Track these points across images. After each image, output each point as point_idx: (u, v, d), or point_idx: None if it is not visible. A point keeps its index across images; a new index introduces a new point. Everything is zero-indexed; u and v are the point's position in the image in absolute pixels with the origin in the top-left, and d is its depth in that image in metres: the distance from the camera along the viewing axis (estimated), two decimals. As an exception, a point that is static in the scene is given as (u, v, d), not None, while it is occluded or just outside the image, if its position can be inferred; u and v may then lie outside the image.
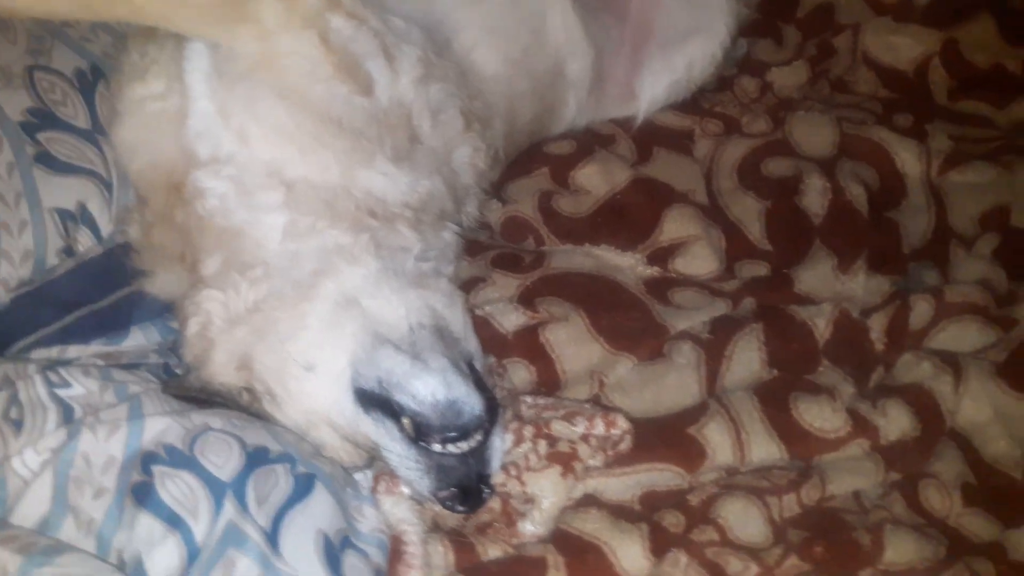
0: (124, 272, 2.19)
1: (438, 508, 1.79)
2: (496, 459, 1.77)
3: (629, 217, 2.62)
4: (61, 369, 1.82)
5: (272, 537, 1.53)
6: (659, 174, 2.75)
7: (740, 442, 1.99)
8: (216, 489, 1.60)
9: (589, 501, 1.90)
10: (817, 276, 2.45)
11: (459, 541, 1.81)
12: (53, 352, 2.02)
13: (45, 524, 1.56)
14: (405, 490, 1.77)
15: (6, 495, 1.59)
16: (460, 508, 1.71)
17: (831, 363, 2.25)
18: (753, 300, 2.39)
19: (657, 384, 2.17)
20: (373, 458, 1.85)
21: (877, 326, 2.29)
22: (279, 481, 1.65)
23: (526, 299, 2.35)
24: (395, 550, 1.69)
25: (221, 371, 1.96)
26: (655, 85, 2.81)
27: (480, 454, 1.73)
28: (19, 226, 2.11)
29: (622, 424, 1.89)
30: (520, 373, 2.20)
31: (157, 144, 2.09)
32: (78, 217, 2.20)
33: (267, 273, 1.91)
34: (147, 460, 1.63)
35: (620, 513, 1.88)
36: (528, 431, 1.88)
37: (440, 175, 2.25)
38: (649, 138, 2.89)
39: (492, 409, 1.77)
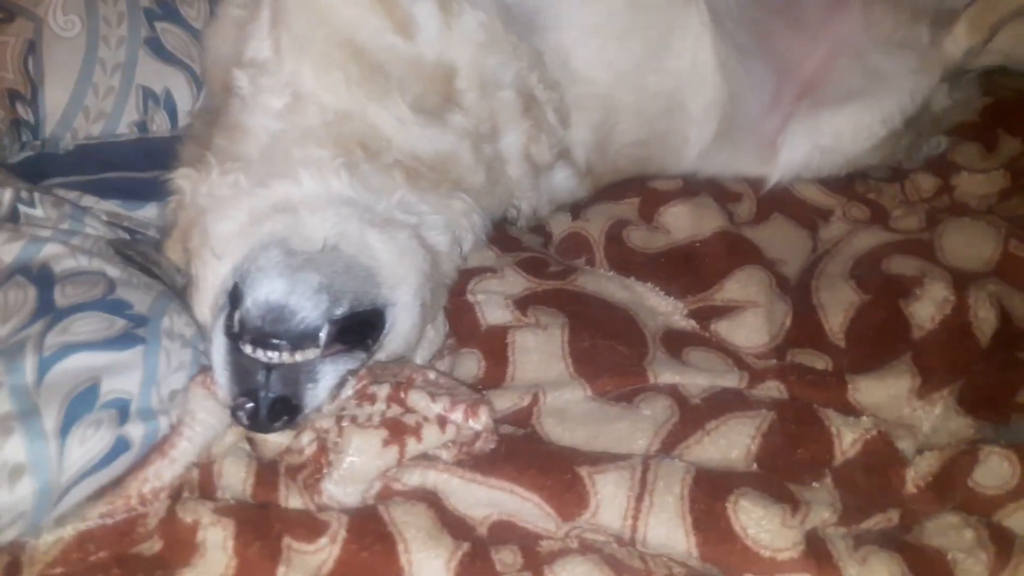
0: (174, 156, 2.27)
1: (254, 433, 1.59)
2: (312, 393, 1.53)
3: (696, 266, 2.25)
4: (37, 192, 1.91)
5: (45, 363, 1.44)
6: (758, 236, 2.32)
7: (637, 508, 1.54)
8: (43, 310, 1.55)
9: (425, 497, 1.57)
10: (884, 392, 1.88)
11: (266, 476, 1.59)
12: (72, 195, 2.13)
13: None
14: (219, 391, 1.59)
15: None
16: (244, 421, 1.49)
17: (834, 484, 1.68)
18: (782, 386, 1.88)
19: (602, 425, 1.77)
20: None
21: (923, 467, 1.68)
22: (105, 328, 1.57)
23: (524, 302, 2.07)
24: (163, 438, 1.51)
25: (172, 247, 1.95)
26: (795, 148, 2.38)
27: (290, 376, 1.51)
28: (106, 90, 2.30)
29: (483, 419, 1.55)
30: (468, 364, 1.92)
31: (225, 45, 2.16)
32: (161, 101, 2.34)
33: (240, 168, 1.86)
34: (16, 270, 1.63)
35: (452, 524, 1.53)
36: (384, 392, 1.61)
37: (474, 148, 2.07)
38: (775, 204, 2.46)
39: (339, 341, 1.54)
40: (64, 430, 1.38)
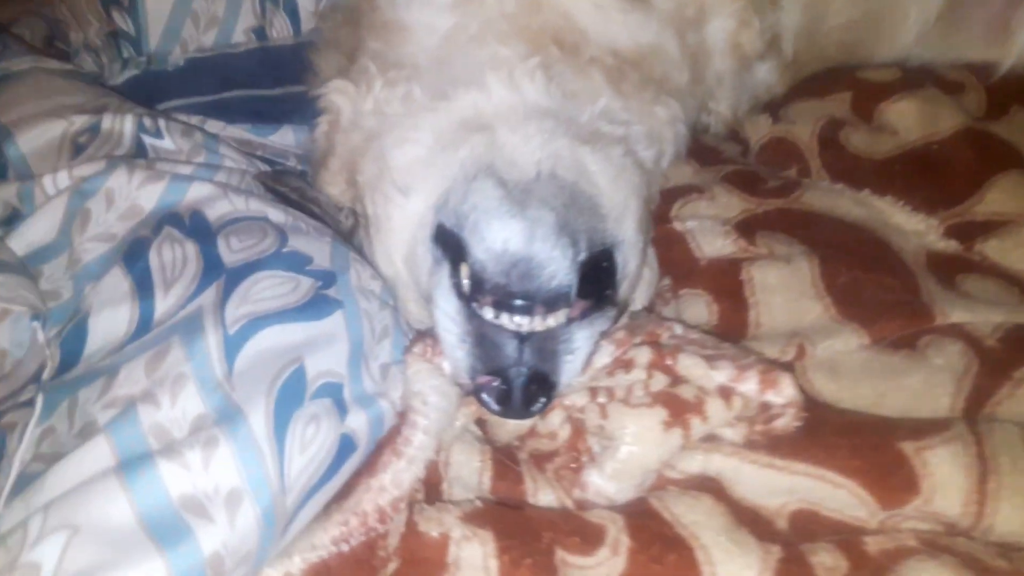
0: (304, 69, 1.86)
1: (489, 414, 1.23)
2: (572, 366, 1.16)
3: (941, 174, 1.81)
4: (161, 120, 1.52)
5: (232, 343, 1.08)
6: (1006, 133, 1.87)
7: (982, 492, 1.17)
8: (211, 271, 1.18)
9: (707, 486, 1.22)
10: None
11: (504, 464, 1.24)
12: (194, 120, 1.74)
13: (40, 253, 1.25)
14: (444, 365, 1.22)
15: (32, 210, 1.30)
16: (494, 407, 1.14)
17: None
18: (1095, 322, 1.47)
19: (890, 380, 1.39)
20: None
21: None
22: (291, 291, 1.20)
23: (746, 227, 1.67)
24: (392, 430, 1.16)
25: (332, 180, 1.56)
26: (1039, 23, 1.91)
27: (546, 347, 1.14)
28: (216, -9, 1.87)
29: (787, 391, 1.18)
30: (695, 309, 1.54)
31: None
32: (280, 1, 1.90)
33: (408, 76, 1.45)
34: (165, 220, 1.26)
35: (748, 520, 1.18)
36: (644, 356, 1.23)
37: (679, 38, 1.64)
38: (1011, 94, 2.00)
39: (591, 300, 1.16)
40: (278, 433, 1.03)
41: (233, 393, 1.05)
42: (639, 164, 1.53)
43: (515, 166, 1.32)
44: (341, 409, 1.13)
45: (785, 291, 1.56)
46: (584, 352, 1.19)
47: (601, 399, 1.23)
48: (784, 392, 1.18)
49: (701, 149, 1.92)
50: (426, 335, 1.26)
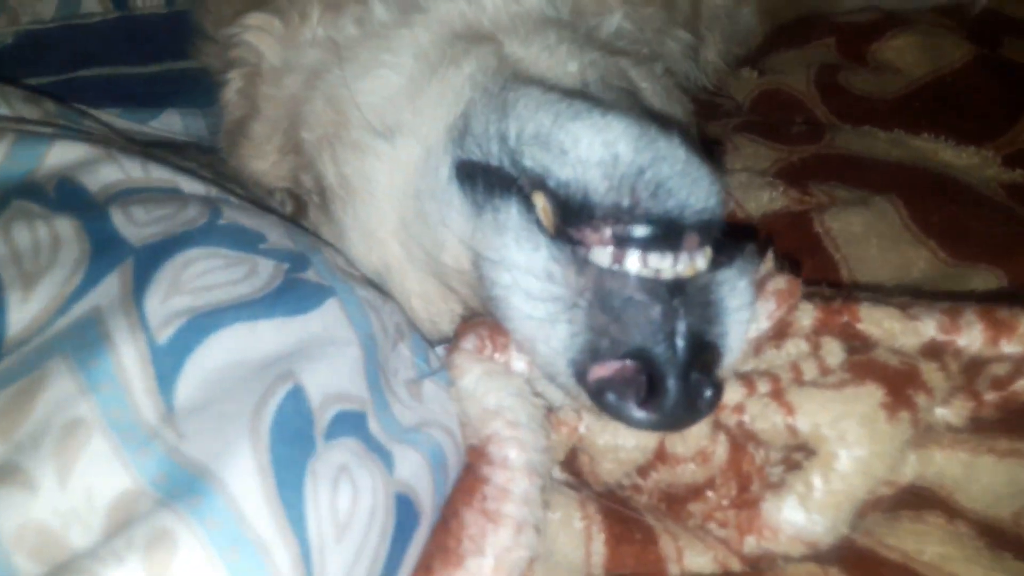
0: (183, 42, 1.32)
1: (581, 422, 0.73)
2: (741, 333, 0.69)
3: (969, 105, 1.50)
4: (9, 89, 0.95)
5: (166, 357, 0.54)
6: (1019, 58, 1.60)
7: None
8: (106, 253, 0.64)
9: (923, 500, 0.76)
10: None
11: (620, 517, 0.74)
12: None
13: None
14: (516, 362, 0.72)
15: None
16: (632, 412, 0.64)
17: None
18: None
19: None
20: (475, 313, 0.82)
21: None
22: (247, 275, 0.68)
23: (790, 177, 1.28)
24: (465, 480, 0.63)
25: (257, 151, 1.03)
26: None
27: (701, 296, 0.66)
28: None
29: (1030, 333, 0.75)
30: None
31: None
32: (142, -43, 1.37)
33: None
34: (12, 194, 0.70)
35: (997, 538, 0.73)
36: (806, 317, 0.78)
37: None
38: (996, 28, 1.75)
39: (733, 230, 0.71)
40: (289, 505, 0.49)
41: (184, 444, 0.50)
42: (680, 87, 1.12)
43: (550, 77, 0.86)
44: (379, 452, 0.60)
45: (877, 239, 1.16)
46: (751, 310, 0.72)
47: (764, 387, 0.75)
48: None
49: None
50: (478, 323, 0.75)
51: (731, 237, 0.70)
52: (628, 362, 0.65)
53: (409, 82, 0.91)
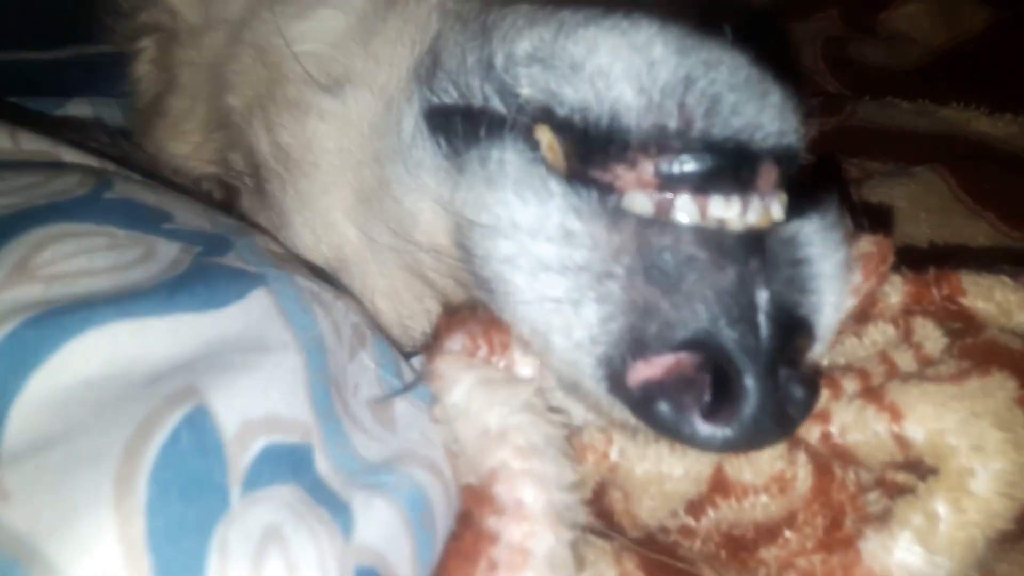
0: (94, 22, 1.12)
1: (613, 446, 0.53)
2: (832, 296, 0.49)
3: (997, 71, 1.35)
4: None
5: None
6: None
7: None
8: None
9: None
10: None
11: (665, 570, 0.54)
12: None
13: None
14: (521, 367, 0.52)
15: None
16: (703, 431, 0.45)
17: None
18: None
19: None
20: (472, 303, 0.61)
21: None
22: (139, 259, 0.47)
23: (811, 151, 1.09)
24: (470, 530, 0.43)
25: (174, 132, 0.84)
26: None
27: (786, 256, 0.47)
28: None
29: None
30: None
31: None
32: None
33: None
34: None
35: None
36: (895, 293, 0.59)
37: None
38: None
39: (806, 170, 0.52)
40: None
41: (4, 509, 0.30)
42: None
43: None
44: (330, 504, 0.40)
45: (926, 213, 0.99)
46: (848, 277, 0.53)
47: (851, 387, 0.56)
48: None
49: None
50: (467, 318, 0.55)
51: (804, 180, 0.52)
52: (685, 355, 0.46)
53: (358, 21, 0.73)
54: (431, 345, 0.54)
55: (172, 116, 0.87)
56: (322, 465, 0.44)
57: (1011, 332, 0.60)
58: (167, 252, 0.53)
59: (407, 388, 0.55)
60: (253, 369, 0.45)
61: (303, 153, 0.73)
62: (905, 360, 0.59)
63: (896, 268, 0.62)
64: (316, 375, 0.49)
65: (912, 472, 0.57)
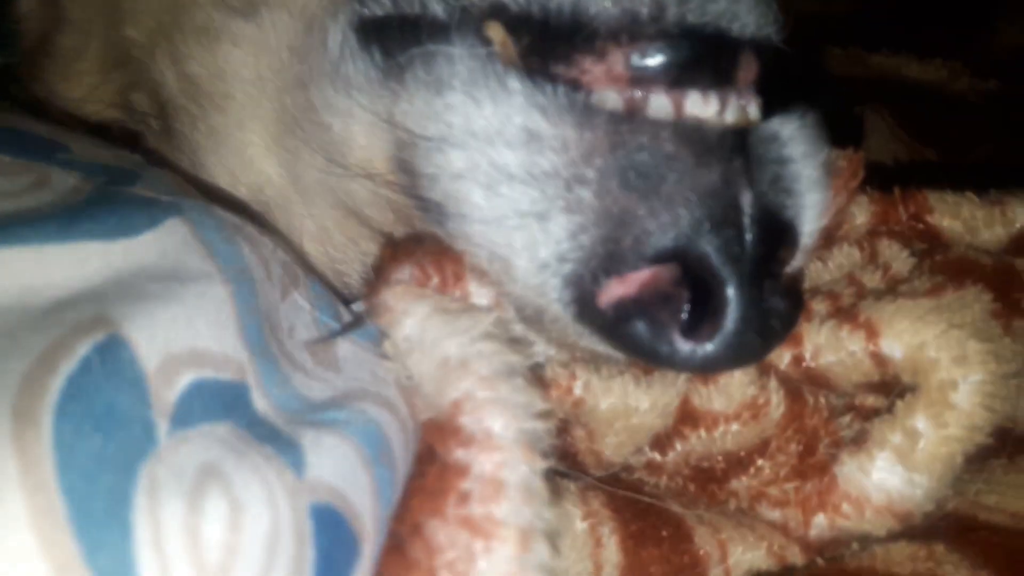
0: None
1: (576, 381, 0.50)
2: (814, 200, 0.47)
3: (927, 16, 1.37)
4: None
5: None
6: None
7: None
8: None
9: (1006, 441, 0.58)
10: None
11: (634, 507, 0.51)
12: None
13: None
14: (478, 298, 0.47)
15: None
16: (682, 349, 0.42)
17: None
18: None
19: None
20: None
21: None
22: (32, 185, 0.40)
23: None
24: (436, 466, 0.39)
25: (69, 74, 0.76)
26: None
27: (769, 156, 0.44)
28: None
29: None
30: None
31: None
32: None
33: None
34: None
35: None
36: (861, 212, 0.58)
37: None
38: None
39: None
40: (99, 552, 0.24)
41: None
42: None
43: None
44: (275, 441, 0.35)
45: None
46: (829, 181, 0.50)
47: (821, 308, 0.54)
48: None
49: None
50: (413, 249, 0.50)
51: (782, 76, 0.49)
52: (661, 268, 0.42)
53: None
54: (374, 279, 0.50)
55: (63, 56, 0.79)
56: (260, 404, 0.39)
57: (978, 249, 0.59)
58: (63, 180, 0.47)
59: (350, 326, 0.50)
60: (173, 299, 0.40)
61: (215, 84, 0.67)
62: (873, 281, 0.58)
63: (862, 188, 0.61)
64: (246, 309, 0.44)
65: (884, 394, 0.55)
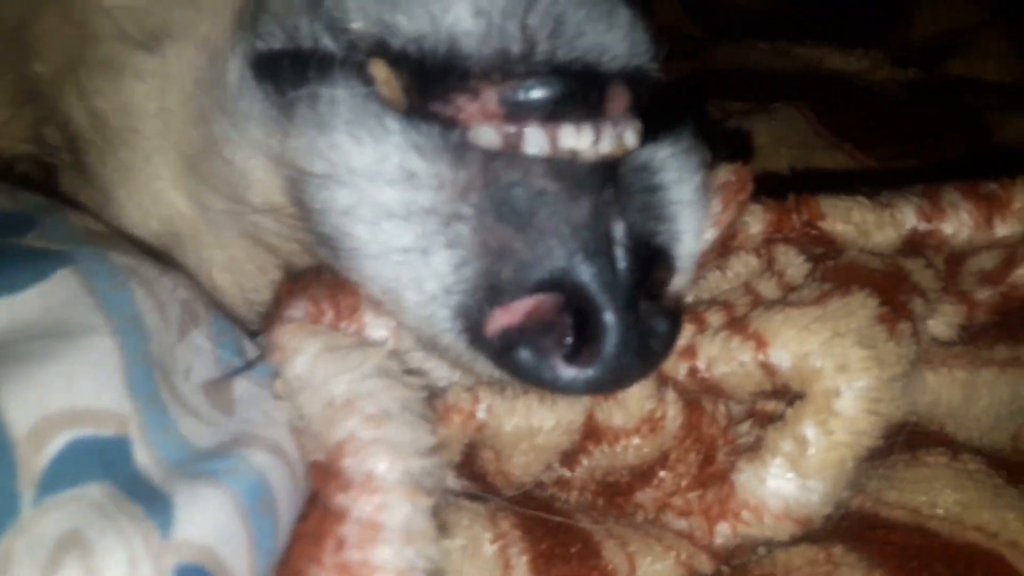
0: None
1: (479, 404, 0.50)
2: (692, 223, 0.48)
3: (848, 7, 1.38)
4: None
5: None
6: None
7: None
8: None
9: (913, 437, 0.60)
10: None
11: (543, 526, 0.52)
12: None
13: None
14: (374, 330, 0.48)
15: None
16: (565, 375, 0.43)
17: None
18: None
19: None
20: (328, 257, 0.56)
21: None
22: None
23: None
24: (318, 511, 0.39)
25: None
26: None
27: (640, 184, 0.45)
28: None
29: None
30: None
31: None
32: None
33: None
34: None
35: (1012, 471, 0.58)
36: (756, 222, 0.59)
37: None
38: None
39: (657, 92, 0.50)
40: None
41: None
42: None
43: None
44: (147, 499, 0.35)
45: (787, 149, 1.01)
46: (708, 203, 0.51)
47: (716, 319, 0.55)
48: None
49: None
50: (309, 282, 0.50)
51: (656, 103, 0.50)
52: (543, 297, 0.43)
53: None
54: (271, 315, 0.50)
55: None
56: (142, 457, 0.40)
57: (870, 252, 0.61)
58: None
59: (247, 366, 0.50)
60: (53, 358, 0.40)
61: (121, 119, 0.66)
62: (769, 289, 0.59)
63: (756, 197, 0.62)
64: (134, 358, 0.44)
65: (781, 400, 0.57)
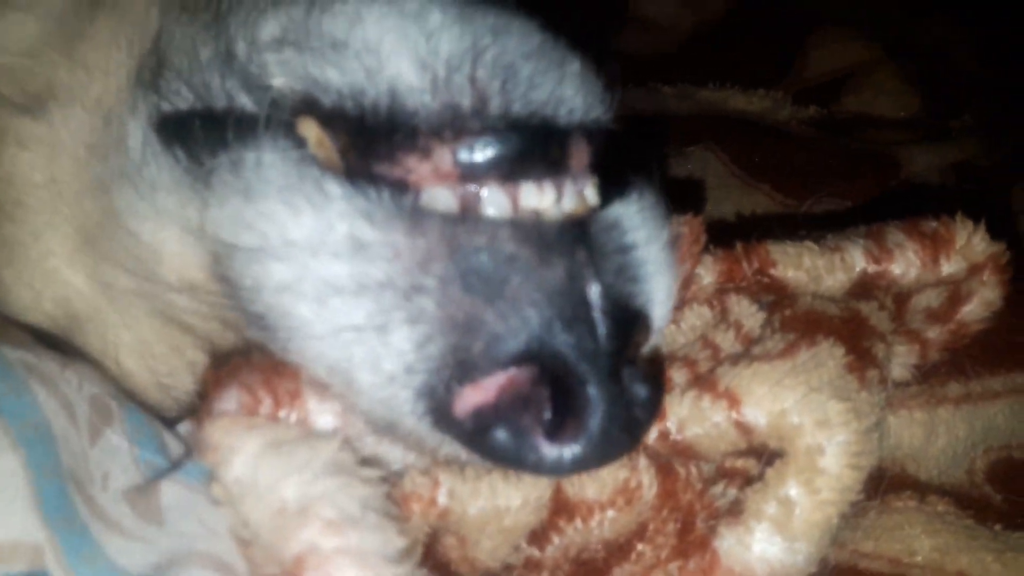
0: None
1: (439, 489, 0.46)
2: (663, 283, 0.45)
3: (747, 48, 1.43)
4: None
5: None
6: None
7: None
8: None
9: (878, 482, 0.59)
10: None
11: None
12: None
13: None
14: (319, 416, 0.43)
15: None
16: (549, 455, 0.39)
17: None
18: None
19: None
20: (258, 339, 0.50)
21: None
22: None
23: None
24: None
25: None
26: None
27: (612, 244, 0.42)
28: None
29: (978, 247, 0.61)
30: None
31: None
32: None
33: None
34: None
35: (978, 509, 0.58)
36: (707, 273, 0.58)
37: None
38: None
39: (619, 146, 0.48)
40: None
41: None
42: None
43: None
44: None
45: (707, 191, 1.02)
46: (674, 261, 0.48)
47: (680, 377, 0.53)
48: (975, 250, 0.60)
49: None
50: (239, 368, 0.45)
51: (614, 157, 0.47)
52: (517, 370, 0.39)
53: (57, 25, 0.60)
54: (199, 408, 0.44)
55: None
56: (61, 595, 0.33)
57: (823, 297, 0.60)
58: None
59: (174, 467, 0.44)
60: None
61: (4, 191, 0.59)
62: (727, 341, 0.57)
63: (704, 247, 0.60)
64: (43, 473, 0.38)
65: (752, 456, 0.54)
